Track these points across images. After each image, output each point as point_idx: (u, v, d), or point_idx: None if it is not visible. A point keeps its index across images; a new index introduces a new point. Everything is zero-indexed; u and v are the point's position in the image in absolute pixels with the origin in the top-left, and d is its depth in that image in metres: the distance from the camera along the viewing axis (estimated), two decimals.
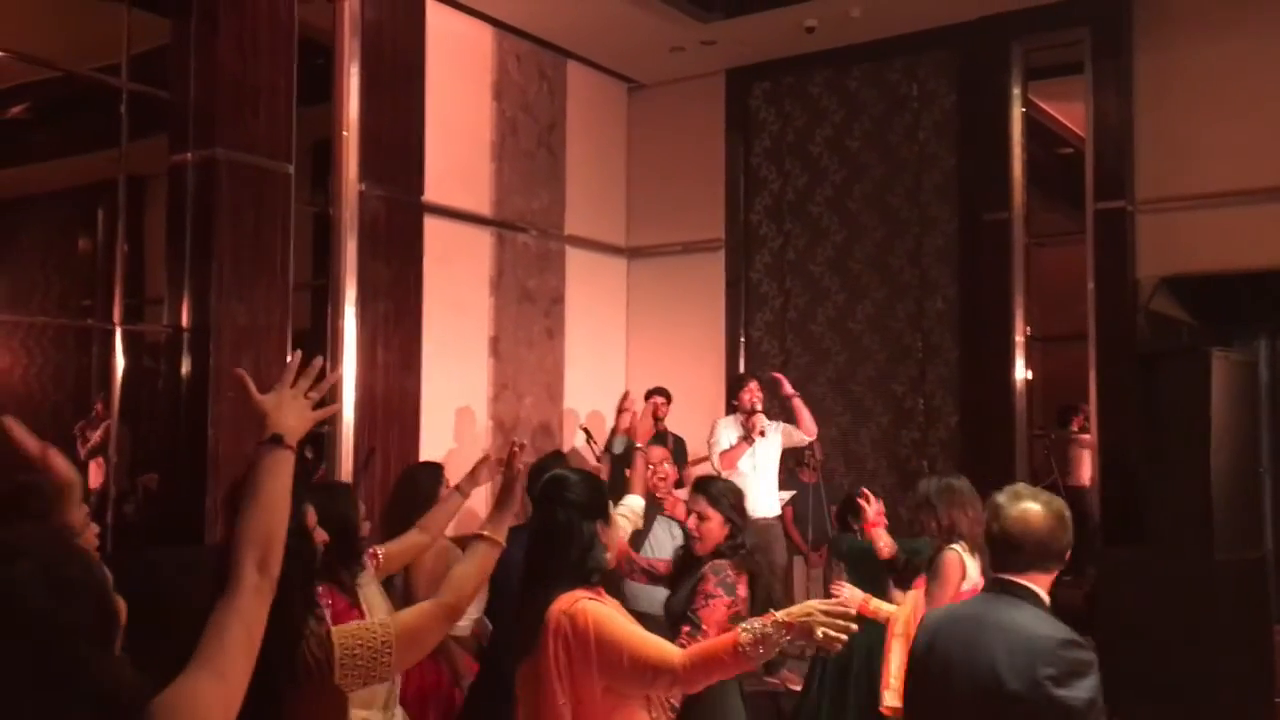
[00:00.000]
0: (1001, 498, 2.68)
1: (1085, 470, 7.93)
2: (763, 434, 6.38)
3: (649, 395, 7.26)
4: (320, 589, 3.01)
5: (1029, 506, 2.61)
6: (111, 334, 5.46)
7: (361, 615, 3.24)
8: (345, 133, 6.26)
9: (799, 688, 5.87)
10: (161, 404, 5.69)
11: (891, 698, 4.13)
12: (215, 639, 1.56)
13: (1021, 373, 7.40)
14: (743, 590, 3.50)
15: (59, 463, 2.17)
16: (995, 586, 2.65)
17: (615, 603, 2.69)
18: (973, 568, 4.09)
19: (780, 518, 6.55)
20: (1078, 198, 7.32)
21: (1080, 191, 7.25)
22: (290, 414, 1.92)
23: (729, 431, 6.47)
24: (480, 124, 7.51)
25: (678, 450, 7.28)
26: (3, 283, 10.44)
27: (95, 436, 7.50)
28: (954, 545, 4.12)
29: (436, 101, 6.85)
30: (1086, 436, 7.60)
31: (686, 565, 3.74)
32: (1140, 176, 7.01)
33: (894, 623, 4.31)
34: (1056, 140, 8.63)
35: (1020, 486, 2.75)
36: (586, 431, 7.09)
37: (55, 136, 8.99)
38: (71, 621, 1.30)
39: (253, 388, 2.03)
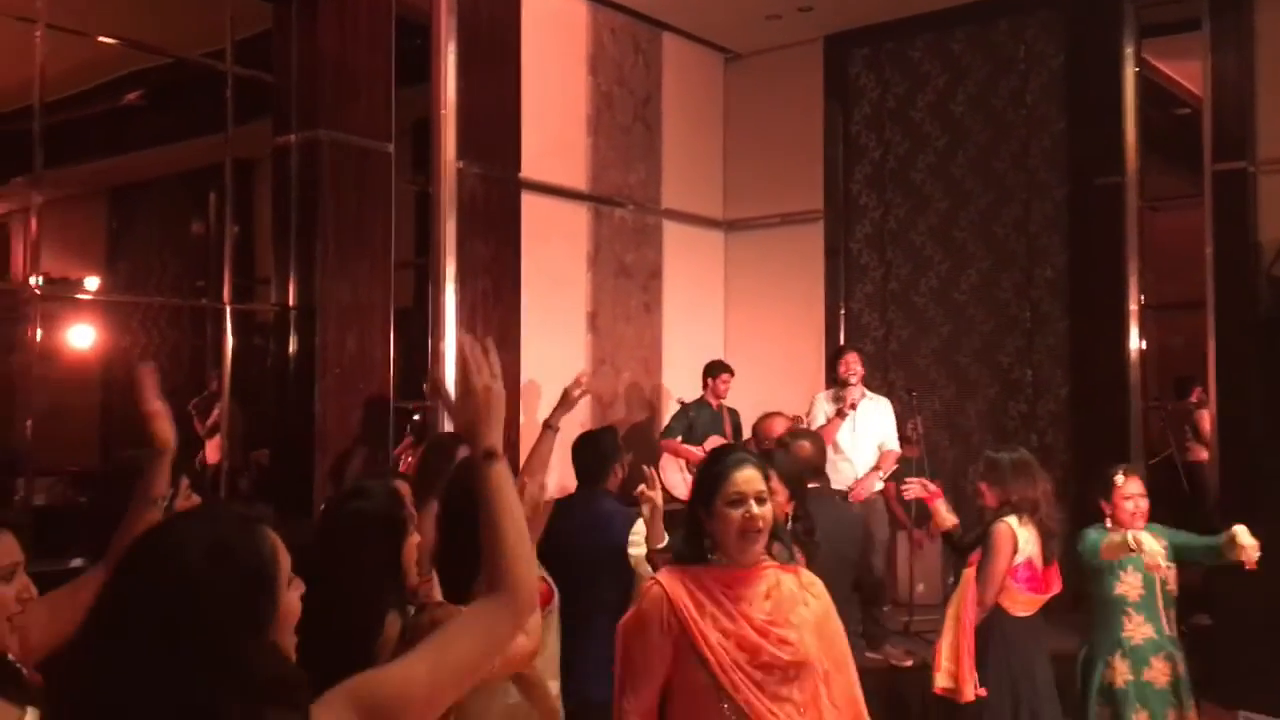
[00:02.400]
0: None
1: (1203, 444, 7.62)
2: (854, 407, 6.25)
3: (711, 372, 7.17)
4: None
5: None
6: (222, 313, 5.62)
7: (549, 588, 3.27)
8: (443, 111, 6.30)
9: (905, 663, 5.81)
10: (269, 381, 5.84)
11: (944, 679, 4.07)
12: (446, 639, 1.56)
13: (1135, 343, 7.13)
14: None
15: (162, 427, 2.23)
16: None
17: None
18: (1026, 541, 4.02)
19: (882, 493, 6.43)
20: (1194, 160, 7.01)
21: (1197, 153, 6.94)
22: (488, 417, 1.66)
23: (824, 407, 6.38)
24: (576, 99, 7.50)
25: (736, 424, 7.22)
26: (122, 266, 10.80)
27: (213, 415, 7.73)
28: (1007, 517, 4.05)
29: (532, 78, 6.86)
30: (1205, 409, 7.30)
31: None
32: (1262, 136, 6.67)
33: (950, 604, 4.24)
34: (1171, 100, 8.27)
35: None
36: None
37: (167, 122, 9.26)
38: (228, 592, 1.28)
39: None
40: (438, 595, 3.17)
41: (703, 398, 7.13)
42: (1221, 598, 5.95)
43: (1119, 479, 4.18)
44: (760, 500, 2.48)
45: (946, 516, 4.38)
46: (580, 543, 3.88)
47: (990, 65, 7.77)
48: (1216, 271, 6.77)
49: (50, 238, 11.11)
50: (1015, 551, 3.99)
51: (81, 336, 9.62)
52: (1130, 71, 7.17)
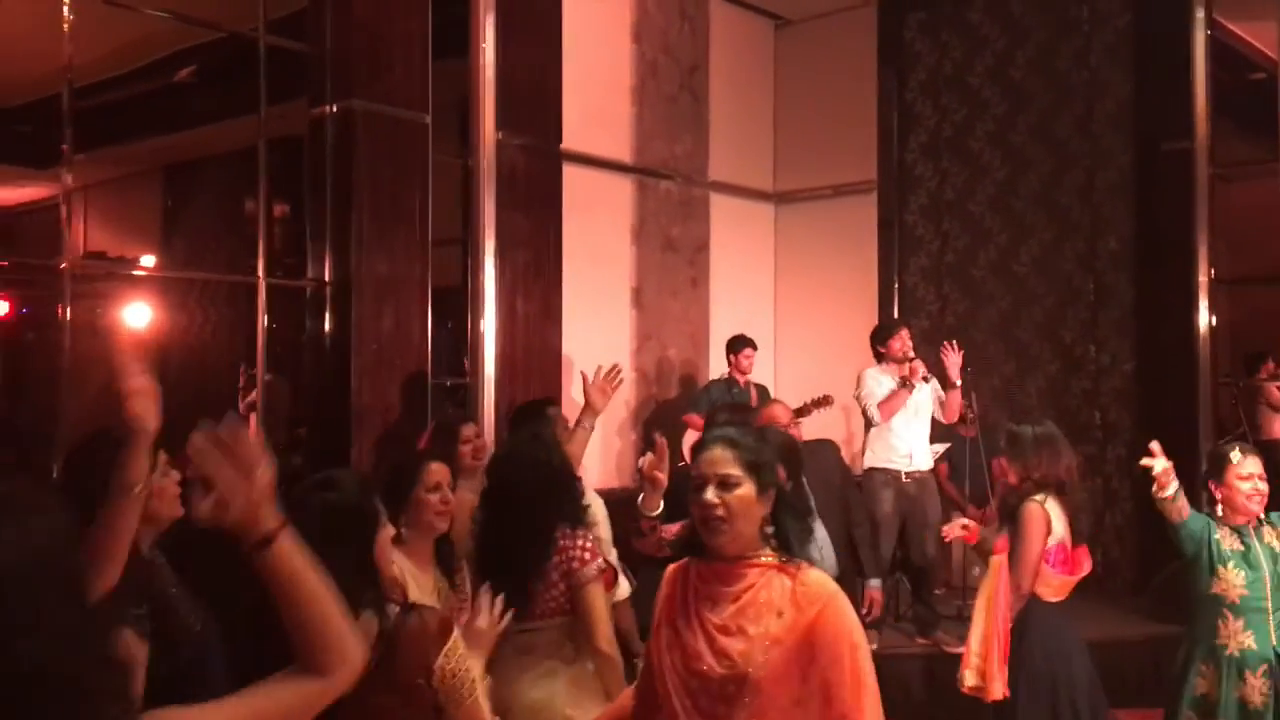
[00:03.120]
0: None
1: (1277, 422, 7.28)
2: (926, 379, 5.98)
3: (733, 347, 6.94)
4: (582, 535, 3.02)
5: None
6: (256, 288, 5.55)
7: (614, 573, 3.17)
8: (482, 81, 6.13)
9: (957, 650, 5.57)
10: (306, 357, 5.78)
11: (972, 677, 3.80)
12: (259, 700, 1.47)
13: (1205, 317, 6.79)
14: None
15: (141, 405, 2.09)
16: None
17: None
18: (1057, 520, 3.76)
19: (934, 471, 6.19)
20: (1269, 126, 6.63)
21: (1272, 119, 6.56)
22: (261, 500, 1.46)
23: (881, 381, 6.07)
24: (619, 68, 7.32)
25: (764, 401, 6.97)
26: (179, 243, 10.86)
27: (254, 393, 7.71)
28: (1035, 497, 3.77)
29: (574, 47, 6.69)
30: (1277, 384, 6.96)
31: None
32: None
33: (978, 594, 3.95)
34: (1244, 64, 7.85)
35: None
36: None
37: (220, 99, 9.24)
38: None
39: None
40: (468, 587, 3.06)
41: (730, 374, 6.90)
42: None
43: (1235, 456, 3.66)
44: (725, 484, 2.12)
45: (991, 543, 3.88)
46: None
47: (1052, 27, 7.44)
48: None
49: (106, 216, 11.28)
50: (1049, 533, 3.74)
51: (135, 314, 9.69)
52: (1201, 32, 6.79)
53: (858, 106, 8.10)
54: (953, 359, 6.03)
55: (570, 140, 6.67)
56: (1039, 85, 7.50)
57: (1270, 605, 3.60)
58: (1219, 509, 3.69)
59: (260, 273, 5.59)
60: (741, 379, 6.85)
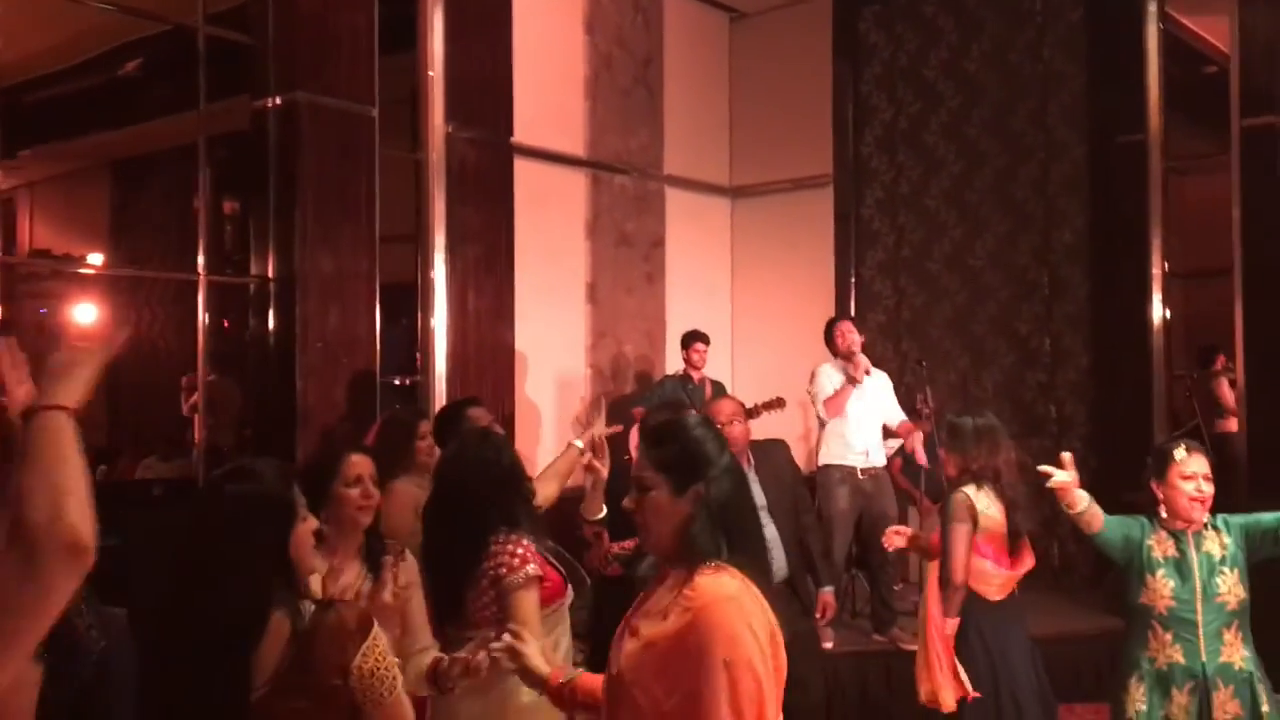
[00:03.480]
0: None
1: (1231, 415, 7.31)
2: (868, 373, 5.92)
3: (684, 342, 6.87)
4: (514, 540, 2.80)
5: None
6: (196, 286, 5.41)
7: (561, 579, 2.97)
8: (430, 73, 6.04)
9: (913, 647, 5.54)
10: (250, 355, 5.64)
11: (924, 693, 3.75)
12: None
13: (1159, 310, 6.81)
14: None
15: (14, 395, 1.93)
16: None
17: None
18: (987, 507, 3.70)
19: (887, 468, 6.15)
20: (1222, 120, 6.64)
21: (1224, 113, 6.57)
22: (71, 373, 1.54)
23: (832, 377, 6.03)
24: (572, 61, 7.22)
25: (716, 395, 6.88)
26: (127, 240, 10.63)
27: (196, 394, 7.54)
28: (964, 488, 3.73)
29: (525, 39, 6.59)
30: (1233, 378, 6.97)
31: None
32: None
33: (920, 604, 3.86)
34: (1197, 59, 7.87)
35: None
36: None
37: (169, 93, 9.05)
38: None
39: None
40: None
41: (685, 371, 6.83)
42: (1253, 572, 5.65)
43: (1179, 454, 3.32)
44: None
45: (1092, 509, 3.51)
46: None
47: (1006, 20, 7.43)
48: (1244, 234, 6.42)
49: (53, 213, 11.02)
50: (974, 521, 3.69)
51: (83, 313, 9.47)
52: (1153, 25, 6.81)
53: (813, 100, 8.05)
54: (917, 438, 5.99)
55: (522, 134, 6.57)
56: (993, 78, 7.49)
57: (1201, 618, 3.30)
58: (1161, 510, 3.38)
59: (200, 270, 5.44)
60: (695, 374, 6.77)
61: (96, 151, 10.06)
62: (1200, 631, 3.29)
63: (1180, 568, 3.33)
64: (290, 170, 5.43)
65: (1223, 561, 3.31)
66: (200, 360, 5.50)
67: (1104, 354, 7.12)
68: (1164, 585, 3.33)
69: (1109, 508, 7.32)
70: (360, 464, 2.87)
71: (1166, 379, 6.89)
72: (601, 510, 3.17)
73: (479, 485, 2.85)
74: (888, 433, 6.18)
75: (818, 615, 4.64)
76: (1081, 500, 3.40)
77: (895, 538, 4.01)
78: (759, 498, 4.18)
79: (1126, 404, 6.81)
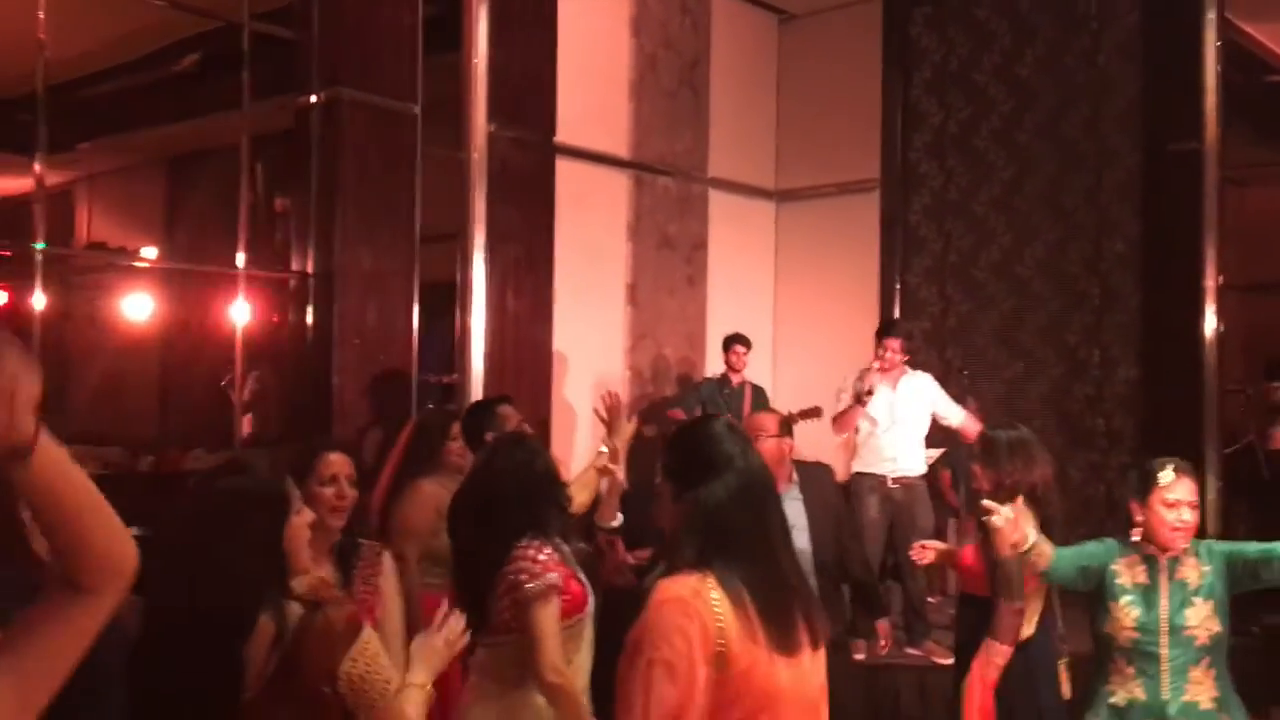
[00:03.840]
0: None
1: None
2: (870, 393, 5.68)
3: (725, 345, 6.80)
4: (536, 546, 2.73)
5: None
6: (237, 280, 5.45)
7: (584, 591, 2.90)
8: (474, 71, 6.02)
9: (947, 661, 5.44)
10: (288, 351, 5.68)
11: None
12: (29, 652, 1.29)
13: (1212, 323, 6.61)
14: None
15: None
16: None
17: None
18: (1030, 532, 3.41)
19: (924, 477, 6.00)
20: None
21: None
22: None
23: (850, 382, 5.86)
24: (617, 62, 7.18)
25: (758, 402, 6.82)
26: (180, 234, 10.78)
27: (248, 388, 7.60)
28: (1005, 509, 3.46)
29: (570, 39, 6.57)
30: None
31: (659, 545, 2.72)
32: None
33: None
34: (1258, 66, 7.68)
35: None
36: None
37: (222, 89, 9.16)
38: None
39: None
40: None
41: (724, 374, 6.77)
42: None
43: (1164, 476, 3.02)
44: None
45: (1039, 545, 3.24)
46: None
47: (1060, 24, 7.28)
48: None
49: (111, 207, 11.20)
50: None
51: (135, 306, 9.62)
52: (1211, 31, 6.62)
53: (862, 103, 7.95)
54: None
55: (565, 134, 6.55)
56: (1046, 83, 7.34)
57: (1166, 652, 3.03)
58: (1136, 533, 3.10)
59: (240, 265, 5.48)
60: (735, 377, 6.70)
61: (152, 146, 10.22)
62: (1164, 666, 3.03)
63: (1147, 596, 3.07)
64: (332, 167, 5.46)
65: (1196, 591, 3.03)
66: (238, 354, 5.54)
67: (1154, 366, 6.95)
68: (1126, 614, 3.07)
69: None
70: (337, 463, 2.82)
71: (1219, 393, 6.70)
72: (616, 518, 3.10)
73: (510, 489, 2.79)
74: (931, 441, 6.05)
75: (881, 644, 4.57)
76: (1028, 538, 3.18)
77: (924, 551, 3.89)
78: (797, 518, 4.08)
79: (1177, 418, 6.63)
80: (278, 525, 1.93)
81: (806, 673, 1.93)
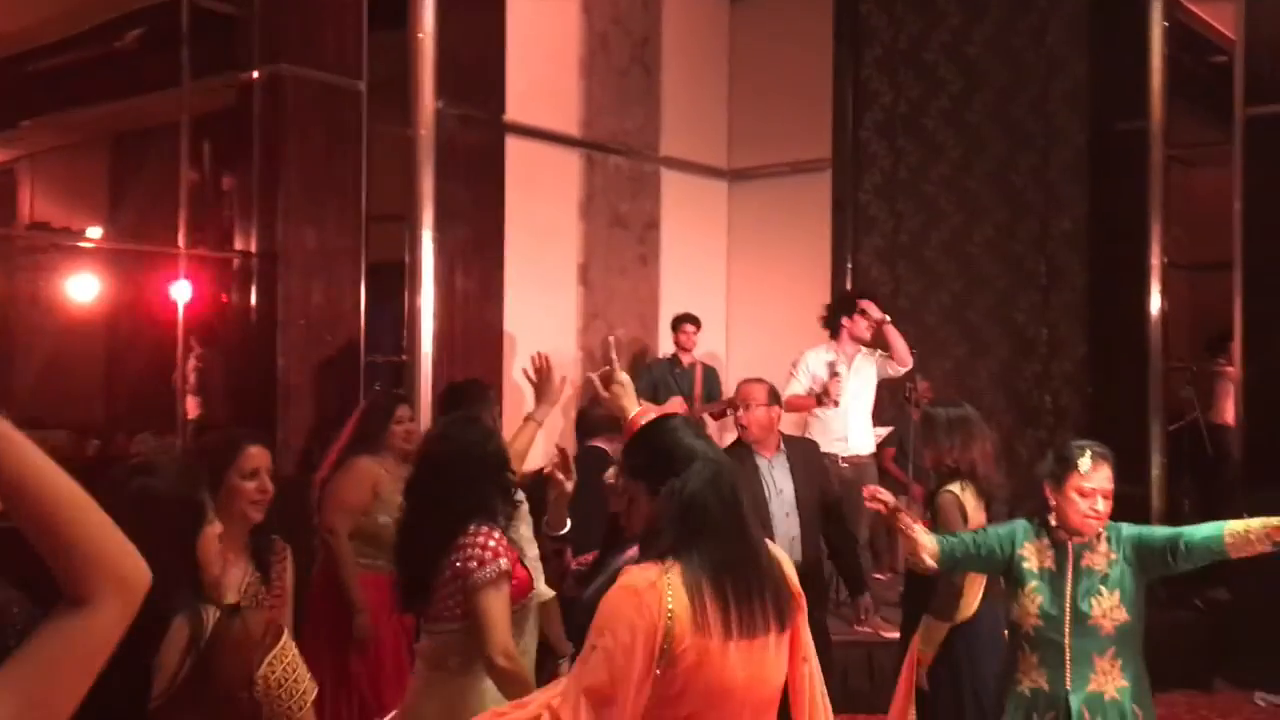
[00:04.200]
0: None
1: (1229, 407, 7.22)
2: (836, 404, 5.75)
3: (677, 323, 6.80)
4: (485, 533, 2.66)
5: None
6: (177, 260, 5.35)
7: (528, 576, 2.85)
8: (421, 48, 5.93)
9: (893, 635, 5.49)
10: (232, 333, 5.59)
11: None
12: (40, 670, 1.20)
13: (1157, 301, 6.70)
14: None
15: None
16: None
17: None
18: (974, 510, 3.53)
19: (875, 455, 6.05)
20: (1226, 110, 6.53)
21: (1229, 102, 6.46)
22: None
23: (821, 362, 5.91)
24: (568, 39, 7.11)
25: (709, 382, 6.84)
26: (125, 213, 10.57)
27: (189, 369, 7.48)
28: (949, 486, 3.55)
29: (519, 15, 6.50)
30: (1231, 370, 6.88)
31: (609, 545, 2.67)
32: None
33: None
34: (1204, 47, 7.76)
35: None
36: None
37: (167, 65, 8.98)
38: None
39: None
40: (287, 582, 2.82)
41: (675, 354, 6.77)
42: (1241, 571, 5.58)
43: (1083, 463, 2.90)
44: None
45: (919, 539, 3.06)
46: None
47: (1009, 4, 7.32)
48: (1245, 225, 6.33)
49: (53, 186, 10.96)
50: (966, 523, 3.48)
51: (79, 287, 9.43)
52: (1157, 11, 6.68)
53: (813, 83, 7.93)
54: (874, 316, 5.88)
55: (515, 113, 6.49)
56: (995, 63, 7.38)
57: (1069, 640, 2.92)
58: (1052, 517, 2.99)
59: (182, 245, 5.38)
60: (685, 357, 6.70)
61: (96, 124, 10.00)
62: (1067, 656, 2.92)
63: (1054, 582, 2.96)
64: (275, 145, 5.36)
65: (1104, 580, 2.93)
66: (180, 336, 5.44)
67: (1101, 344, 7.04)
68: (1032, 601, 2.97)
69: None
70: (258, 456, 2.76)
71: (1164, 371, 6.79)
72: (565, 525, 3.06)
73: (459, 472, 2.75)
74: (877, 419, 6.09)
75: (861, 618, 4.62)
76: (917, 531, 3.06)
77: (875, 502, 3.85)
78: (784, 482, 4.17)
79: (1123, 395, 6.73)
80: (191, 530, 1.87)
81: (769, 660, 1.95)
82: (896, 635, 5.36)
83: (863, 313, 5.89)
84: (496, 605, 2.58)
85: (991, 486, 3.60)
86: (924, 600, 3.60)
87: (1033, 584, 2.98)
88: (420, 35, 5.90)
